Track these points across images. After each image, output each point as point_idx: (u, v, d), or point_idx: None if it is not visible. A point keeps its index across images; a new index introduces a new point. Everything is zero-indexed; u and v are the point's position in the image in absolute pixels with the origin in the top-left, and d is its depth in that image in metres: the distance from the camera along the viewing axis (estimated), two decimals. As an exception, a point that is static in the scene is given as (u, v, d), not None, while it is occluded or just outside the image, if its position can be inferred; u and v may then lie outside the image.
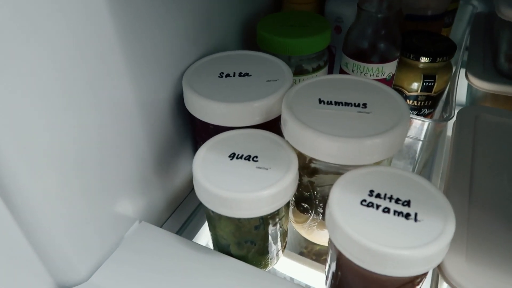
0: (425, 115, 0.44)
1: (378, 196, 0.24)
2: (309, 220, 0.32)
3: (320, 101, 0.28)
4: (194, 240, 0.36)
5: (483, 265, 0.24)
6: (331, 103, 0.28)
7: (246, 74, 0.32)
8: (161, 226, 0.34)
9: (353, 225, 0.22)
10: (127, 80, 0.27)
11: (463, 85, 0.52)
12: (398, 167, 0.40)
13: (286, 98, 0.29)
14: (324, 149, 0.26)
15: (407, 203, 0.24)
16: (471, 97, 0.47)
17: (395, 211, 0.23)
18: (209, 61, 0.34)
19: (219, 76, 0.32)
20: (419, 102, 0.44)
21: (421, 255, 0.21)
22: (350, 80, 0.31)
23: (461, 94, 0.53)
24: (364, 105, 0.28)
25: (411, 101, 0.44)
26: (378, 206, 0.23)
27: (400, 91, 0.43)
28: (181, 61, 0.33)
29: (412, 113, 0.43)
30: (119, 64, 0.26)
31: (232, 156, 0.27)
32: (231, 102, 0.29)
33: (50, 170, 0.23)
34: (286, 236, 0.32)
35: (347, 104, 0.28)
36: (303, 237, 0.37)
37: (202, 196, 0.26)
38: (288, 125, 0.27)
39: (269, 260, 0.31)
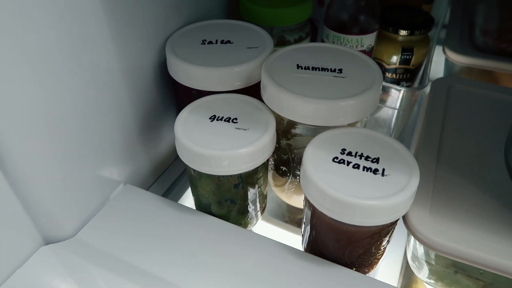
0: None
1: (349, 154, 0.26)
2: (288, 183, 0.34)
3: (298, 67, 0.29)
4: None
5: (446, 219, 0.26)
6: (308, 68, 0.29)
7: (228, 42, 0.33)
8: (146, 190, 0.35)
9: (324, 179, 0.24)
10: (111, 46, 0.28)
11: (441, 62, 0.53)
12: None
13: (265, 64, 0.30)
14: (300, 110, 0.27)
15: (376, 160, 0.25)
16: (448, 72, 0.49)
17: (364, 167, 0.25)
18: (192, 29, 0.35)
19: (201, 43, 0.33)
20: (398, 75, 0.45)
21: (386, 205, 0.23)
22: (328, 48, 0.32)
23: (439, 70, 0.55)
24: (340, 70, 0.29)
25: (390, 74, 0.45)
26: (348, 163, 0.25)
27: (380, 64, 0.44)
28: (165, 29, 0.33)
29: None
30: (103, 29, 0.27)
31: (213, 118, 0.28)
32: (212, 67, 0.30)
33: (36, 134, 0.24)
34: (266, 198, 0.34)
35: (323, 69, 0.29)
36: (286, 207, 0.38)
37: (184, 155, 0.28)
38: (267, 89, 0.28)
39: (248, 219, 0.32)
